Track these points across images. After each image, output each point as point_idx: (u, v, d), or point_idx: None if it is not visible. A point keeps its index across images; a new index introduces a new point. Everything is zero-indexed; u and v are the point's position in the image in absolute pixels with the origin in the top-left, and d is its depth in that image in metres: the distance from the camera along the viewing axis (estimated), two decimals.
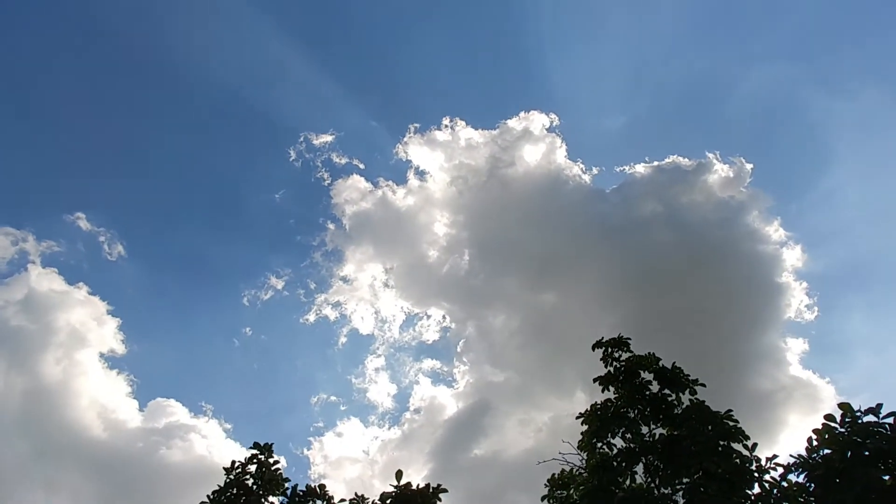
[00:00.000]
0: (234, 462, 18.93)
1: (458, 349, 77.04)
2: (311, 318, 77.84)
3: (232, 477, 18.82)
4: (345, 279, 79.94)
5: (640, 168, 73.85)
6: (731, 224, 63.40)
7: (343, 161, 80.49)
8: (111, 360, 75.97)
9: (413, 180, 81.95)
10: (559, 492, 18.08)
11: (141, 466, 59.51)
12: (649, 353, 18.87)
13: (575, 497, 17.53)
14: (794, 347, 67.42)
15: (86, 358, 65.10)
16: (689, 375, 18.56)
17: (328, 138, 79.61)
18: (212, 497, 18.39)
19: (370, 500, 19.69)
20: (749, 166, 70.42)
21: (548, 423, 59.63)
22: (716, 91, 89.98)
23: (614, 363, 18.71)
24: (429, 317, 79.62)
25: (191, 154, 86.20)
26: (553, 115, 78.25)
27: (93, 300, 68.27)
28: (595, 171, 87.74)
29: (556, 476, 18.19)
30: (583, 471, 18.94)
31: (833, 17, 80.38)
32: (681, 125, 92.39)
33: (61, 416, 61.38)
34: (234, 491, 18.48)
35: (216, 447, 64.19)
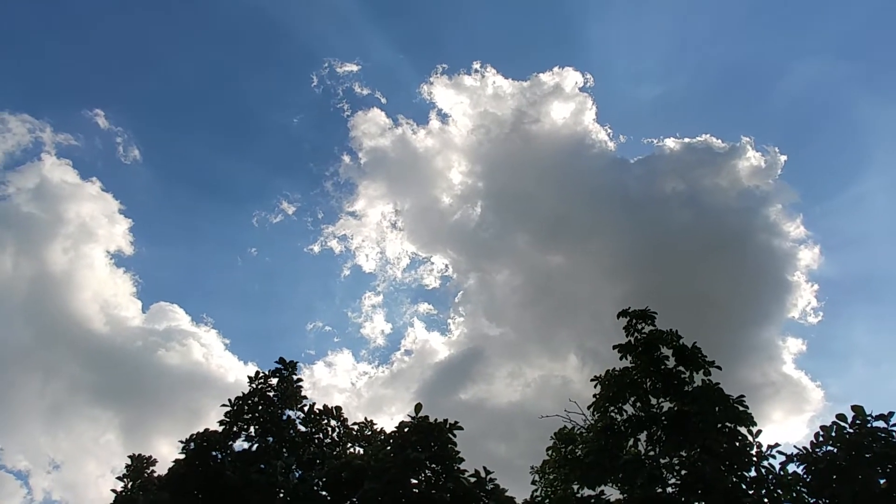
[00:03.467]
0: (257, 373, 19.71)
1: (456, 299, 77.80)
2: (316, 248, 78.30)
3: (255, 386, 19.62)
4: (353, 214, 79.91)
5: (670, 143, 72.28)
6: (751, 214, 62.31)
7: (365, 92, 78.98)
8: (118, 259, 76.78)
9: (434, 122, 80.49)
10: (563, 446, 18.85)
11: (138, 364, 61.21)
12: (671, 329, 19.32)
13: (579, 453, 18.32)
14: (792, 347, 67.05)
15: (93, 252, 65.87)
16: (706, 356, 19.07)
17: (353, 67, 77.65)
18: (233, 402, 19.23)
19: (380, 427, 20.65)
20: (782, 158, 68.28)
21: (537, 381, 60.99)
22: (760, 77, 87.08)
23: (636, 334, 19.16)
24: (432, 263, 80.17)
25: (214, 69, 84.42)
26: (588, 75, 76.01)
27: (105, 197, 68.48)
28: (622, 139, 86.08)
29: (564, 431, 18.92)
30: (584, 430, 19.76)
31: (887, 19, 77.45)
32: (719, 105, 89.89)
33: (64, 306, 62.67)
34: (256, 399, 19.29)
35: (213, 356, 65.88)
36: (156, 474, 19.37)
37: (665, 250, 57.71)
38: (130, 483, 18.83)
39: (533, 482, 20.76)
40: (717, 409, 17.76)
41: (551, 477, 20.15)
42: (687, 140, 71.08)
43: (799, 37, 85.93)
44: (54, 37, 73.17)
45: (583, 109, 73.13)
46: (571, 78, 73.93)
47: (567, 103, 73.40)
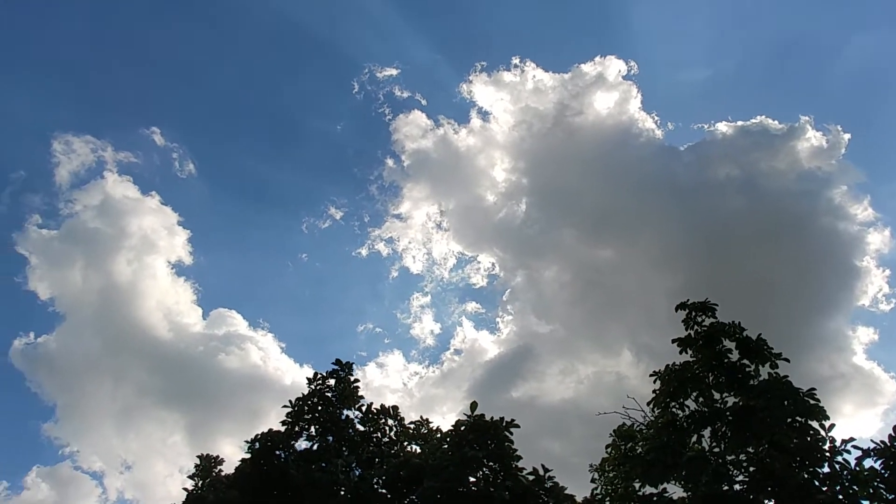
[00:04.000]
0: (316, 374, 20.21)
1: (504, 297, 77.23)
2: (364, 252, 79.26)
3: (314, 387, 20.10)
4: (399, 216, 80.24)
5: (722, 127, 69.24)
6: (813, 197, 58.81)
7: (405, 95, 79.39)
8: (178, 268, 79.76)
9: (475, 120, 79.78)
10: (623, 443, 18.51)
11: (200, 368, 63.67)
12: (733, 321, 18.69)
13: (639, 451, 17.94)
14: (862, 336, 63.16)
15: (155, 263, 68.77)
16: (772, 348, 18.36)
17: (392, 71, 78.12)
18: (294, 402, 19.76)
19: (436, 426, 20.79)
20: (846, 136, 63.86)
21: (590, 377, 59.87)
22: (817, 53, 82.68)
23: (696, 327, 18.62)
24: (478, 262, 79.95)
25: (259, 82, 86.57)
26: (632, 63, 73.51)
27: (164, 210, 71.35)
28: (670, 126, 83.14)
29: (623, 427, 18.59)
30: (644, 427, 19.34)
31: None
32: (773, 84, 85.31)
33: (131, 315, 65.65)
34: (315, 400, 19.76)
35: (270, 359, 67.76)
36: (223, 473, 20.11)
37: (720, 238, 55.47)
38: (200, 482, 19.62)
39: (592, 480, 20.47)
40: (785, 402, 17.05)
41: (611, 475, 19.81)
42: (740, 123, 67.68)
43: (857, 6, 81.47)
44: (109, 60, 76.85)
45: (627, 98, 71.09)
46: (614, 66, 71.99)
47: (611, 93, 71.44)
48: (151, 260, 68.32)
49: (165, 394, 63.13)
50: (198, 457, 20.53)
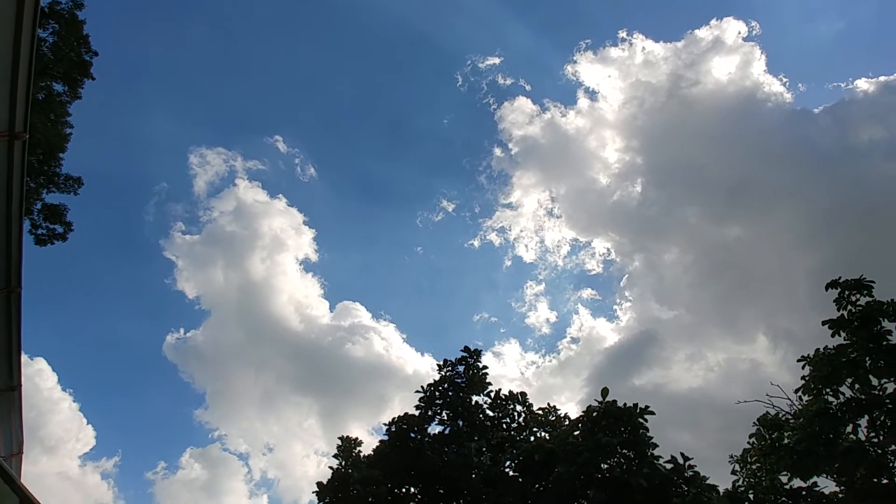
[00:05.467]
0: (446, 360, 20.91)
1: (622, 283, 74.65)
2: (476, 243, 79.86)
3: (444, 374, 20.81)
4: (509, 205, 79.68)
5: (862, 84, 62.46)
6: None
7: (508, 82, 78.43)
8: (306, 265, 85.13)
9: (583, 101, 77.06)
10: (769, 432, 17.50)
11: (329, 357, 67.70)
12: (892, 299, 16.96)
13: (788, 441, 16.90)
14: None
15: (285, 261, 73.95)
16: None
17: (495, 60, 77.29)
18: (425, 388, 20.59)
19: (563, 413, 20.78)
20: None
21: (721, 364, 56.64)
22: None
23: (849, 307, 17.10)
24: (592, 247, 77.86)
25: (367, 83, 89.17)
26: (753, 23, 67.64)
27: (291, 211, 76.34)
28: (801, 87, 75.70)
29: (769, 416, 17.56)
30: (791, 416, 18.14)
31: None
32: None
33: (266, 309, 71.10)
34: (445, 386, 20.45)
35: (393, 349, 70.68)
36: (362, 454, 21.38)
37: (867, 209, 49.76)
38: (343, 461, 21.00)
39: (733, 472, 19.57)
40: None
41: (755, 466, 18.84)
42: (882, 79, 60.90)
43: None
44: (232, 75, 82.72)
45: (750, 61, 65.49)
46: (733, 28, 66.52)
47: (730, 57, 66.06)
48: (282, 258, 73.54)
49: (300, 381, 68.00)
50: (339, 438, 21.99)
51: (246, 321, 70.45)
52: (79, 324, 73.88)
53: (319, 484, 19.76)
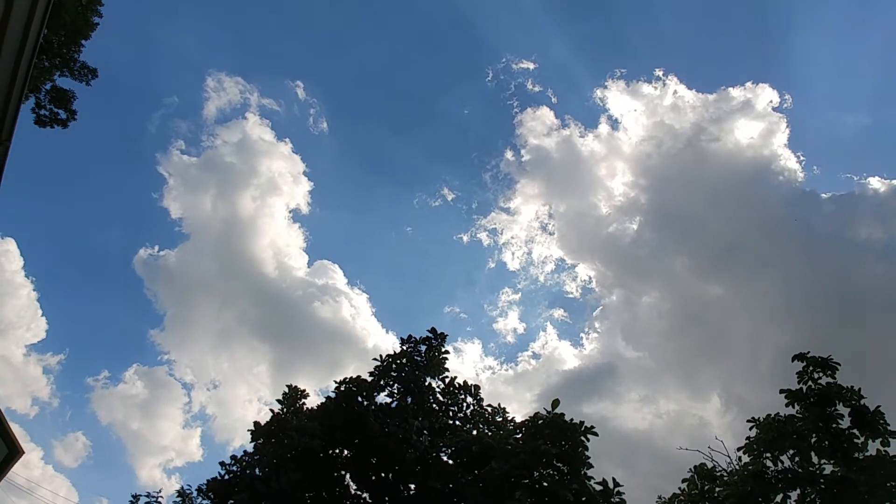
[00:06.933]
0: (410, 336, 20.98)
1: (595, 313, 75.53)
2: (466, 238, 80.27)
3: (405, 349, 20.82)
4: (507, 210, 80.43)
5: (875, 182, 63.94)
6: None
7: (537, 90, 78.77)
8: (295, 215, 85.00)
9: (604, 127, 77.89)
10: (701, 482, 17.71)
11: (296, 310, 67.87)
12: (852, 386, 17.24)
13: (718, 495, 17.12)
14: None
15: (276, 205, 73.80)
16: (888, 424, 16.81)
17: (529, 65, 77.83)
18: (383, 358, 20.60)
19: (512, 416, 20.87)
20: None
21: (670, 414, 57.39)
22: None
23: (810, 383, 17.35)
24: (576, 271, 78.40)
25: (400, 55, 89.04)
26: (787, 95, 68.75)
27: (294, 158, 76.25)
28: (815, 170, 77.03)
29: (706, 467, 17.78)
30: (726, 473, 18.38)
31: None
32: None
33: (246, 247, 71.07)
34: (404, 361, 20.47)
35: (360, 318, 70.80)
36: (305, 407, 21.36)
37: (848, 303, 50.67)
38: (285, 409, 20.98)
39: None
40: (888, 484, 15.69)
41: None
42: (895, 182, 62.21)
43: None
44: (270, 14, 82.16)
45: (774, 131, 66.74)
46: (766, 95, 67.75)
47: (756, 122, 67.36)
48: (273, 201, 73.42)
49: (261, 326, 67.92)
50: (287, 386, 22.00)
51: (222, 254, 70.25)
52: (57, 216, 73.18)
53: (256, 423, 19.74)
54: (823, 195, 65.52)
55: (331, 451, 19.49)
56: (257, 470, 18.73)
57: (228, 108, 77.34)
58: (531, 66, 78.02)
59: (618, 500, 15.72)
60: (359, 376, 20.15)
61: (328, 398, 19.93)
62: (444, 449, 19.00)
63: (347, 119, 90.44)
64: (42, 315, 63.20)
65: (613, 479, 15.94)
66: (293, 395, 21.37)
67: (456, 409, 20.53)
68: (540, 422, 16.94)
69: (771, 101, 67.37)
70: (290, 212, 75.58)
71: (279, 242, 73.79)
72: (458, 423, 20.30)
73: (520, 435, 17.41)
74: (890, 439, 16.60)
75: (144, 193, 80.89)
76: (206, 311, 69.70)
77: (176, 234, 78.63)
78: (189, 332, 69.68)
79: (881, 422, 16.74)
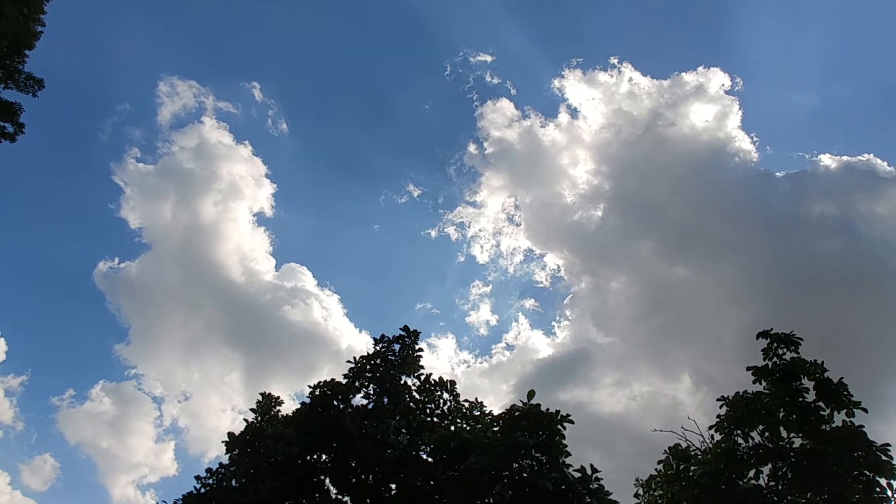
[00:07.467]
0: (382, 336, 20.82)
1: (565, 301, 76.45)
2: (433, 233, 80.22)
3: (378, 349, 20.71)
4: (473, 203, 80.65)
5: (825, 159, 65.59)
6: None
7: (495, 82, 79.13)
8: (259, 218, 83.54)
9: (563, 116, 78.39)
10: (677, 462, 18.10)
11: (266, 315, 66.71)
12: (815, 360, 17.84)
13: (693, 473, 17.52)
14: None
15: (239, 209, 72.43)
16: (852, 395, 17.45)
17: (486, 58, 77.84)
18: (357, 360, 20.46)
19: (489, 409, 20.97)
20: None
21: (644, 396, 58.40)
22: None
23: (775, 359, 17.89)
24: (544, 260, 79.23)
25: (357, 53, 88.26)
26: (737, 78, 70.75)
27: (255, 161, 74.77)
28: (769, 150, 79.26)
29: (680, 448, 18.17)
30: (700, 452, 18.82)
31: None
32: (889, 122, 79.88)
33: (210, 254, 69.64)
34: (378, 361, 20.36)
35: (332, 319, 70.08)
36: (280, 413, 21.07)
37: (806, 280, 52.36)
38: (259, 417, 20.66)
39: (636, 495, 20.14)
40: (856, 454, 16.27)
41: (657, 493, 19.43)
42: (846, 158, 64.05)
43: None
44: (223, 14, 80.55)
45: (727, 114, 68.24)
46: (717, 79, 69.15)
47: (709, 106, 68.81)
48: (236, 206, 72.02)
49: (230, 333, 66.66)
50: (260, 394, 21.64)
51: (186, 262, 68.69)
52: (10, 233, 70.47)
53: (230, 434, 19.39)
54: (778, 174, 67.39)
55: (309, 457, 19.28)
56: (234, 481, 18.40)
57: (183, 113, 75.52)
58: (489, 58, 78.35)
59: (596, 485, 15.92)
60: (333, 379, 19.99)
61: (303, 403, 19.72)
62: (422, 447, 18.98)
63: (307, 119, 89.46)
64: (0, 336, 60.88)
65: (591, 466, 16.15)
66: (267, 403, 21.07)
67: (433, 406, 20.52)
68: (517, 413, 17.04)
69: (723, 85, 69.03)
70: (253, 215, 74.29)
71: (244, 247, 72.48)
72: (435, 419, 20.30)
73: (497, 428, 17.52)
74: (854, 410, 17.23)
75: (100, 205, 78.47)
76: (172, 321, 68.04)
77: (136, 245, 76.70)
78: (156, 345, 67.97)
79: (845, 393, 17.39)
